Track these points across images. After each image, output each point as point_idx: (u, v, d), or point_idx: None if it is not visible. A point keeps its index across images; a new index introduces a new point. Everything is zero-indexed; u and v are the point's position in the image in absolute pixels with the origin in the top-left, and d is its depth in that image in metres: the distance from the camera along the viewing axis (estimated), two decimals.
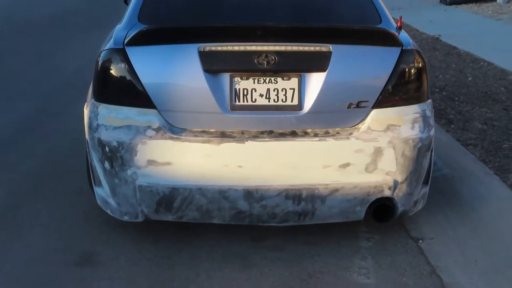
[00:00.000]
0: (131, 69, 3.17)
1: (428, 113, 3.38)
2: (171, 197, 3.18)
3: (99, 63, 3.28)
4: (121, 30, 3.41)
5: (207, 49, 3.14)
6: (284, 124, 3.21)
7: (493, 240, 3.46)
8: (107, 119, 3.23)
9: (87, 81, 3.66)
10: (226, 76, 3.17)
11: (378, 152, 3.19)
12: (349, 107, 3.21)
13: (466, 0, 14.03)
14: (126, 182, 3.21)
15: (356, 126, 3.23)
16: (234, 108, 3.18)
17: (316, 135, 3.20)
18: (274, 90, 3.18)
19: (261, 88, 3.18)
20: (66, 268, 3.21)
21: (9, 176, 4.42)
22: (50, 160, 4.73)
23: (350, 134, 3.21)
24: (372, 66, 3.31)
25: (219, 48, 3.17)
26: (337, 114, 3.25)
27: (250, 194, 3.16)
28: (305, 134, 3.21)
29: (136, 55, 3.19)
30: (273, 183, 3.15)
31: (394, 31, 3.43)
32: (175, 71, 3.20)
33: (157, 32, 3.34)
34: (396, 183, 3.24)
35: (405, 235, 3.56)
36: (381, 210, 3.32)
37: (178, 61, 3.20)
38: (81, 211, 3.80)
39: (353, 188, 3.20)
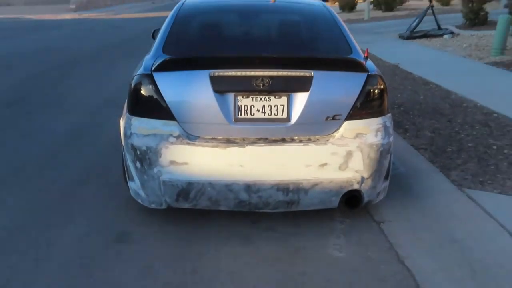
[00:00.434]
0: (157, 90, 3.15)
1: (388, 124, 3.36)
2: (188, 189, 3.17)
3: (132, 85, 3.27)
4: (149, 59, 3.38)
5: (216, 74, 3.13)
6: (276, 132, 3.19)
7: (438, 222, 3.44)
8: (138, 128, 3.21)
9: (123, 99, 3.65)
10: (231, 95, 3.15)
11: (349, 154, 3.18)
12: (326, 119, 3.20)
13: (419, 36, 14.01)
14: (153, 178, 3.20)
15: (332, 134, 3.21)
16: (237, 120, 3.16)
17: (301, 141, 3.18)
18: (268, 106, 3.17)
19: (258, 104, 3.16)
20: (107, 244, 3.21)
21: (63, 172, 4.40)
22: (95, 160, 4.71)
23: (327, 140, 3.19)
24: (344, 87, 3.27)
25: (226, 74, 3.15)
26: (317, 125, 3.22)
27: (249, 187, 3.15)
28: (292, 140, 3.18)
29: (161, 79, 3.17)
30: (267, 179, 3.14)
31: (362, 60, 3.41)
32: (191, 91, 3.18)
33: (178, 61, 3.33)
34: (363, 179, 3.23)
35: (370, 219, 3.54)
36: (351, 200, 3.31)
37: (193, 83, 3.18)
38: (118, 201, 3.78)
39: (329, 183, 3.19)
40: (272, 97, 3.16)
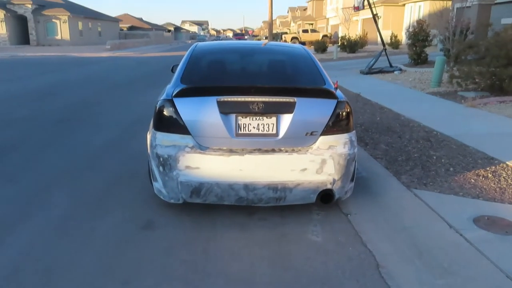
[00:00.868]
0: (176, 111, 3.15)
1: (354, 138, 3.36)
2: (199, 188, 3.15)
3: (157, 107, 3.25)
4: (170, 88, 3.38)
5: (222, 99, 3.12)
6: (267, 144, 3.17)
7: (392, 214, 3.43)
8: (162, 140, 3.19)
9: (147, 118, 3.64)
10: (233, 116, 3.14)
11: (323, 162, 3.17)
12: (306, 134, 3.19)
13: (376, 72, 14.00)
14: (172, 179, 3.17)
15: (310, 146, 3.20)
16: (237, 135, 3.15)
17: (286, 151, 3.16)
18: (261, 124, 3.16)
19: (254, 123, 3.16)
20: (137, 230, 3.19)
21: (100, 175, 4.36)
22: (125, 166, 4.66)
23: (307, 151, 3.18)
24: (319, 110, 3.26)
25: (229, 99, 3.14)
26: (299, 139, 3.20)
27: (247, 187, 3.12)
28: (280, 150, 3.17)
29: (180, 103, 3.17)
30: (261, 180, 3.12)
31: (333, 90, 3.41)
32: (202, 113, 3.16)
33: (192, 89, 3.32)
34: (334, 180, 3.21)
35: (339, 211, 3.53)
36: (325, 197, 3.28)
37: (204, 106, 3.16)
38: (144, 197, 3.74)
39: (309, 183, 3.17)
40: (264, 117, 3.15)
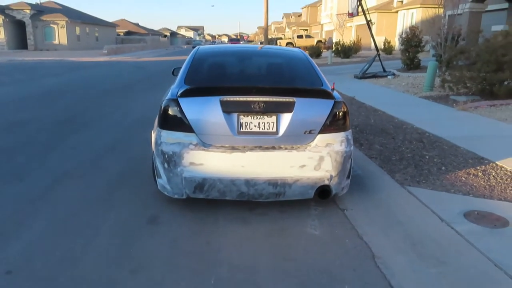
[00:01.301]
0: (181, 110, 3.22)
1: (350, 137, 3.44)
2: (203, 183, 3.21)
3: (162, 107, 3.31)
4: (174, 88, 3.44)
5: (225, 99, 3.20)
6: (268, 142, 3.25)
7: (386, 210, 3.51)
8: (167, 138, 3.26)
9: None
10: (235, 115, 3.22)
11: (321, 159, 3.25)
12: (305, 133, 3.27)
13: (370, 76, 14.10)
14: (177, 175, 3.23)
15: (309, 144, 3.28)
16: (239, 133, 3.22)
17: (286, 148, 3.24)
18: (262, 123, 3.24)
19: (255, 121, 3.23)
20: (142, 225, 3.25)
21: (104, 173, 4.42)
22: (128, 165, 4.72)
23: (306, 148, 3.26)
24: (318, 110, 3.34)
25: (232, 99, 3.21)
26: (298, 137, 3.28)
27: (248, 182, 3.19)
28: (280, 148, 3.24)
29: (184, 102, 3.24)
30: (261, 176, 3.19)
31: (330, 91, 3.50)
32: (206, 112, 3.23)
33: (196, 90, 3.39)
34: (331, 177, 3.29)
35: (336, 207, 3.60)
36: (322, 192, 3.36)
37: (208, 106, 3.24)
38: (148, 194, 3.80)
39: (307, 179, 3.25)
40: (265, 116, 3.24)
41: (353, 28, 35.81)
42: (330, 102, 3.37)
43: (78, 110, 8.38)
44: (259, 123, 3.25)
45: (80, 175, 4.40)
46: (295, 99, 3.26)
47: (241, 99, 3.23)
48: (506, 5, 16.20)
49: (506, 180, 4.14)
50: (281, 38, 48.97)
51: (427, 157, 4.90)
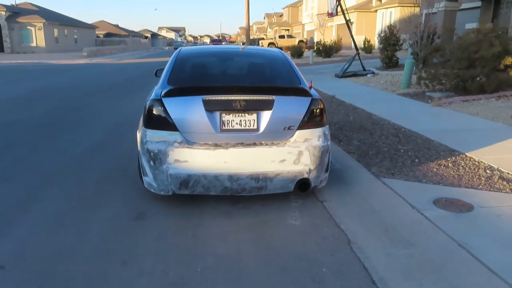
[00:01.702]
0: (165, 110, 3.34)
1: (327, 132, 3.60)
2: (187, 180, 3.34)
3: (147, 107, 3.43)
4: (158, 89, 3.56)
5: (207, 98, 3.33)
6: (249, 139, 3.38)
7: (362, 200, 3.70)
8: (152, 137, 3.38)
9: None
10: (217, 113, 3.35)
11: (300, 153, 3.41)
12: (284, 129, 3.42)
13: (350, 75, 14.30)
14: (162, 172, 3.35)
15: (288, 139, 3.43)
16: (222, 131, 3.35)
17: (267, 144, 3.39)
18: (243, 120, 3.38)
19: (237, 119, 3.37)
20: (130, 221, 3.37)
21: (91, 173, 4.51)
22: (114, 164, 4.81)
23: (285, 144, 3.42)
24: (296, 107, 3.49)
25: (214, 98, 3.34)
26: (278, 133, 3.42)
27: (231, 177, 3.33)
28: (261, 144, 3.39)
29: (168, 102, 3.36)
30: (244, 171, 3.34)
31: (307, 89, 3.66)
32: (189, 111, 3.36)
33: (179, 90, 3.51)
34: (310, 170, 3.46)
35: (316, 199, 3.76)
36: (302, 185, 3.52)
37: (191, 105, 3.36)
38: (135, 191, 3.91)
39: (287, 173, 3.41)
40: (246, 114, 3.38)
41: (333, 27, 36.28)
42: (308, 100, 3.54)
43: (60, 114, 8.36)
44: (240, 120, 3.40)
45: (68, 176, 4.48)
46: (274, 97, 3.41)
47: (223, 98, 3.37)
48: (479, 3, 16.77)
49: (474, 169, 4.41)
50: (263, 39, 49.27)
51: (402, 150, 5.15)
